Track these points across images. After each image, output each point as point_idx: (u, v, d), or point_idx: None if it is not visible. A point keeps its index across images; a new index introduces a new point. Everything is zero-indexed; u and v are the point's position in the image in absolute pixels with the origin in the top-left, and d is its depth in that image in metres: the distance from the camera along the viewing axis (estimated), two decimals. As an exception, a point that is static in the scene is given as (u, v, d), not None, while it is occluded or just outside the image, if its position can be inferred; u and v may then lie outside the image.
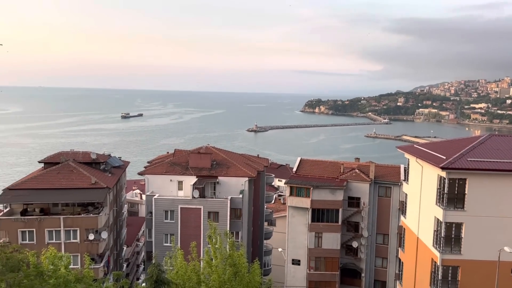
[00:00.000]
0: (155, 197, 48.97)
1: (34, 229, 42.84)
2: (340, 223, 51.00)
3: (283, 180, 75.59)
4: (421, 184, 34.37)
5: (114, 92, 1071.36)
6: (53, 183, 46.20)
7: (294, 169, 55.81)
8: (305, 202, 50.91)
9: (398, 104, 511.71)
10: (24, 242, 41.63)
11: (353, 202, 52.27)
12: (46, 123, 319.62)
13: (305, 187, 51.07)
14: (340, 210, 50.77)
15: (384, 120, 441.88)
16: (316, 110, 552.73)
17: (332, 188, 50.56)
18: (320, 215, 51.08)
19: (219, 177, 50.00)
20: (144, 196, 62.09)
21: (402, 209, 42.03)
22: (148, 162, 59.63)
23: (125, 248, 64.28)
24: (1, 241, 39.78)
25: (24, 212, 44.64)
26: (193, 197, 47.94)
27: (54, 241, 42.74)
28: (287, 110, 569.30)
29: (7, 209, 45.03)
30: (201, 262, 26.11)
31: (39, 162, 53.21)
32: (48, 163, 50.83)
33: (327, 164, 57.06)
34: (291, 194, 52.09)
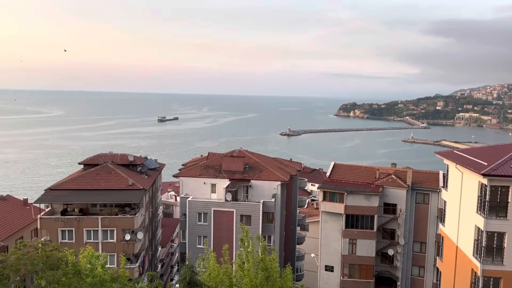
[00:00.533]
0: (189, 199, 49.64)
1: (73, 229, 44.41)
2: (375, 229, 49.81)
3: (316, 185, 74.79)
4: (461, 191, 33.04)
5: (151, 96, 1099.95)
6: (92, 184, 47.80)
7: (328, 174, 55.07)
8: (339, 208, 50.12)
9: (437, 108, 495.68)
10: (63, 241, 43.21)
11: (389, 208, 50.93)
12: (86, 126, 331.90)
13: (339, 192, 50.28)
14: (375, 216, 49.60)
15: (423, 125, 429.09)
16: (351, 114, 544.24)
17: (367, 193, 49.50)
18: (355, 221, 50.09)
19: (251, 181, 50.09)
20: (178, 198, 63.12)
21: (441, 217, 40.54)
22: (183, 165, 60.60)
23: (160, 249, 65.53)
24: (42, 239, 41.51)
25: (64, 212, 46.39)
26: (226, 200, 48.24)
27: (92, 240, 44.13)
28: (321, 114, 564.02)
29: (48, 208, 46.90)
30: (233, 265, 26.19)
31: (79, 163, 55.21)
32: (88, 164, 52.68)
33: (362, 169, 55.96)
34: (324, 199, 51.42)
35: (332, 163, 56.89)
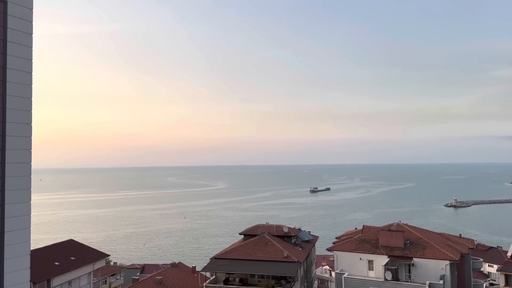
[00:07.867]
0: (345, 275, 47.35)
1: (233, 298, 46.10)
2: None
3: (495, 266, 63.67)
4: None
5: (303, 168, 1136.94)
6: (250, 255, 49.85)
7: (509, 254, 46.76)
8: (529, 297, 41.25)
9: None
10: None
11: None
12: (245, 198, 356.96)
13: (528, 277, 41.71)
14: None
15: None
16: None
17: None
18: (554, 316, 40.29)
19: (414, 259, 45.48)
20: (333, 274, 60.78)
21: None
22: (337, 238, 59.01)
23: (315, 327, 62.78)
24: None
25: (226, 281, 48.95)
26: (386, 279, 44.45)
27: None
28: (494, 182, 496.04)
29: (213, 277, 50.15)
30: None
31: (240, 234, 58.76)
32: (247, 235, 55.68)
33: (557, 250, 45.81)
34: (507, 284, 43.31)
35: (515, 241, 48.24)
